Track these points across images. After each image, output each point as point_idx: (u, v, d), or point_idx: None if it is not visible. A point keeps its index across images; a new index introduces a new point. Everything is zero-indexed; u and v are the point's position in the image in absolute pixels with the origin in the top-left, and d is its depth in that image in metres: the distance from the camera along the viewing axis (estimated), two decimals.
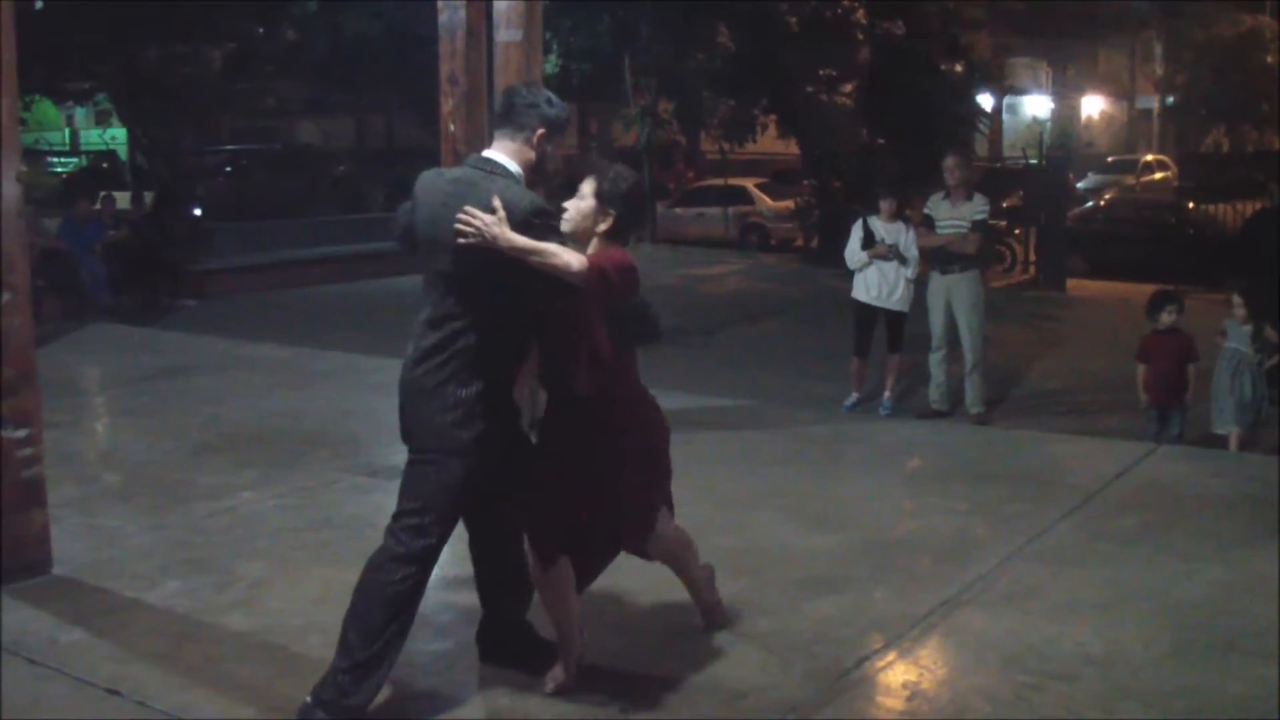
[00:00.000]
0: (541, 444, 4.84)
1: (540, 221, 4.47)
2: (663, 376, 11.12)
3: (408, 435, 4.69)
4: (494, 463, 4.66)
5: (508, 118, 4.73)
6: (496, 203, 4.41)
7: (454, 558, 6.11)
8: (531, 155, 4.70)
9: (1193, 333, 10.10)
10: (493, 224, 4.37)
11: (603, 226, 4.72)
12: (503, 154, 4.69)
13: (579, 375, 4.65)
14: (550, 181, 4.84)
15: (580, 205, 4.74)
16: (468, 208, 4.42)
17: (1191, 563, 6.29)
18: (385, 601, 4.57)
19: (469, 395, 4.55)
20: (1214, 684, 4.96)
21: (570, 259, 4.38)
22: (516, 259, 4.38)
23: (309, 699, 4.56)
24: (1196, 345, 9.96)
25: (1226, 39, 43.58)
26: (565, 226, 4.68)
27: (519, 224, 4.40)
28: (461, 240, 4.42)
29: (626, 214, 4.76)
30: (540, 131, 4.69)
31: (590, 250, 4.68)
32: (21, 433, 6.11)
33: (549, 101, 4.75)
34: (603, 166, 4.85)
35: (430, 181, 4.77)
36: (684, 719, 4.70)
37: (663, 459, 5.04)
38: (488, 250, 4.38)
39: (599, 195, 4.72)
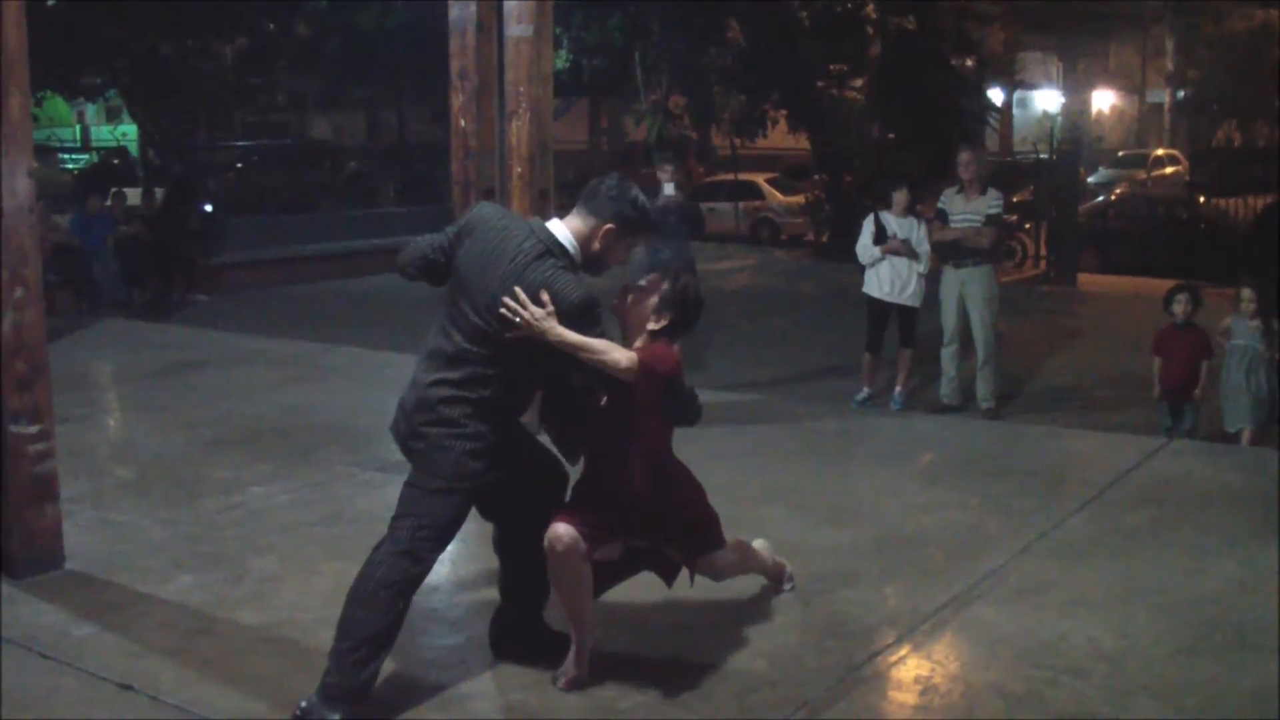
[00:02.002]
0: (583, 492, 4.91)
1: (590, 316, 4.48)
2: None
3: (410, 451, 4.70)
4: (501, 476, 4.70)
5: (588, 199, 4.71)
6: (545, 296, 4.42)
7: (466, 555, 6.15)
8: (595, 246, 4.68)
9: (1204, 327, 10.09)
10: (541, 318, 4.41)
11: (654, 326, 4.77)
12: (568, 230, 4.67)
13: (635, 474, 4.73)
14: (603, 271, 4.82)
15: (642, 303, 4.79)
16: (518, 291, 4.43)
17: (1203, 558, 6.28)
18: (377, 595, 4.58)
19: (483, 430, 4.59)
20: (1226, 679, 4.96)
21: (619, 357, 4.46)
22: (559, 348, 4.45)
23: (307, 701, 4.57)
24: (1212, 341, 9.95)
25: (1238, 33, 43.47)
26: (624, 319, 4.84)
27: (566, 316, 4.43)
28: (504, 316, 4.45)
29: (682, 320, 4.82)
30: (609, 227, 4.66)
31: (638, 343, 4.76)
32: (34, 428, 6.12)
33: (633, 203, 4.71)
34: (678, 268, 5.00)
35: (487, 220, 4.73)
36: (696, 714, 4.70)
37: (704, 518, 5.11)
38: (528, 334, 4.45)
39: (664, 298, 4.78)
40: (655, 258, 11.40)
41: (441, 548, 4.70)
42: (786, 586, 5.85)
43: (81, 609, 5.74)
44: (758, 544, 5.76)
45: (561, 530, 4.64)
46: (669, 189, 11.29)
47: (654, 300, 4.78)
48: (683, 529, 4.99)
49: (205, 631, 5.51)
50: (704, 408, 4.96)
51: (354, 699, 4.54)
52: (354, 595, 4.61)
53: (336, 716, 4.49)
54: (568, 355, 4.47)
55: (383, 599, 4.57)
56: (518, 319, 4.43)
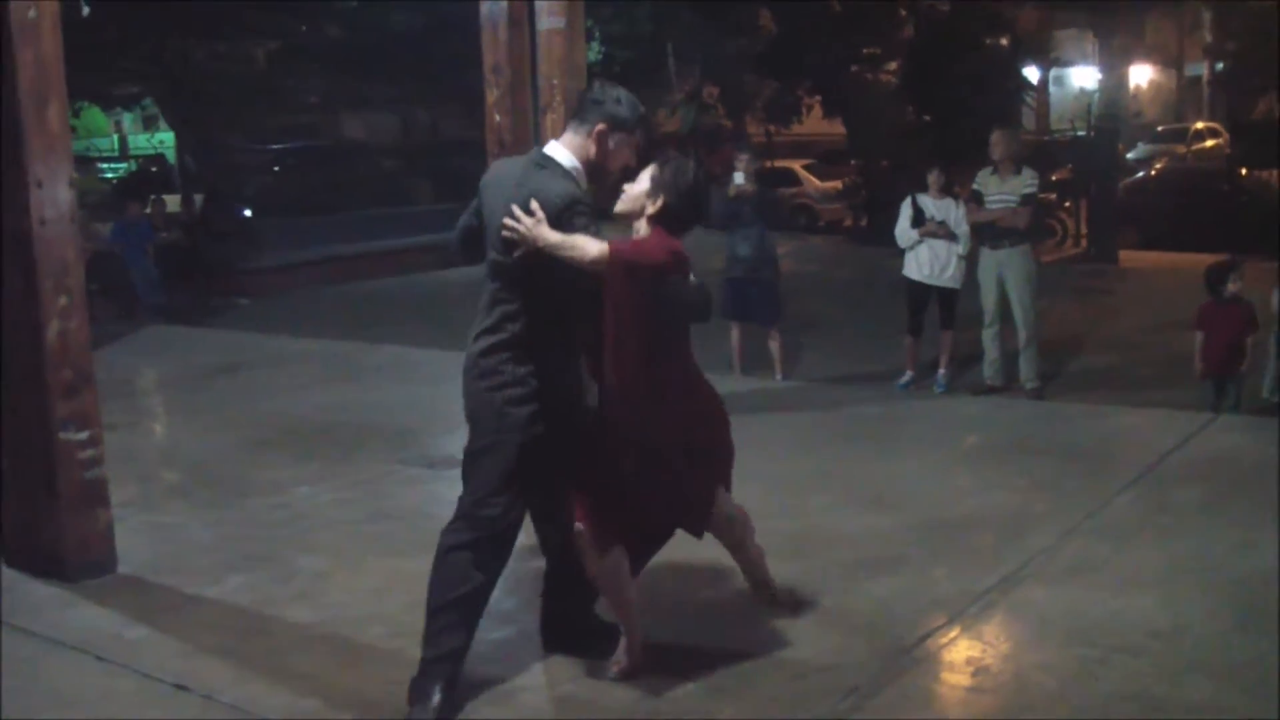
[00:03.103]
0: (594, 436, 4.82)
1: (570, 212, 4.48)
2: (714, 360, 11.18)
3: (467, 415, 4.73)
4: (551, 443, 4.66)
5: (576, 112, 4.77)
6: (534, 204, 4.46)
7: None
8: (591, 151, 4.68)
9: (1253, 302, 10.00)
10: (531, 226, 4.44)
11: (650, 210, 4.71)
12: (564, 147, 4.71)
13: (604, 365, 4.63)
14: (612, 178, 4.80)
15: (633, 188, 4.76)
16: (513, 207, 4.48)
17: (1253, 533, 6.23)
18: (444, 561, 4.69)
19: (522, 374, 4.58)
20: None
21: (589, 247, 4.39)
22: (550, 253, 4.44)
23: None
24: (1256, 314, 9.88)
25: (1277, 3, 43.02)
26: (618, 207, 4.76)
27: (553, 218, 4.45)
28: (506, 235, 4.50)
29: (679, 204, 4.72)
30: (601, 127, 4.66)
31: (639, 234, 4.71)
32: (83, 434, 6.18)
33: (618, 100, 4.72)
34: (671, 156, 4.85)
35: (499, 167, 4.92)
36: (746, 703, 4.70)
37: (720, 445, 5.05)
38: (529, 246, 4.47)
39: (653, 180, 4.72)
40: (733, 247, 11.44)
41: (503, 509, 4.66)
42: (760, 596, 5.48)
43: (134, 611, 5.79)
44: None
45: (579, 530, 4.69)
46: (739, 178, 11.30)
47: (645, 187, 4.73)
48: (699, 452, 4.89)
49: (256, 630, 5.55)
50: (712, 313, 4.84)
51: (445, 669, 4.63)
52: (432, 566, 4.71)
53: (435, 686, 4.58)
54: (560, 263, 4.43)
55: (450, 565, 4.66)
56: (515, 231, 4.47)
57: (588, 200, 4.57)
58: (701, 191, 4.79)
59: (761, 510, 6.66)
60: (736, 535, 5.31)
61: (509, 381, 4.59)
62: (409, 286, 19.64)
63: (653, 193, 4.71)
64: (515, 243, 4.48)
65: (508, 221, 4.48)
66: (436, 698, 4.57)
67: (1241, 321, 9.80)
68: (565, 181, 4.58)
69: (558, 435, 4.67)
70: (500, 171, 4.83)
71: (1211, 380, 9.93)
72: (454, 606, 4.64)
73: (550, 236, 4.41)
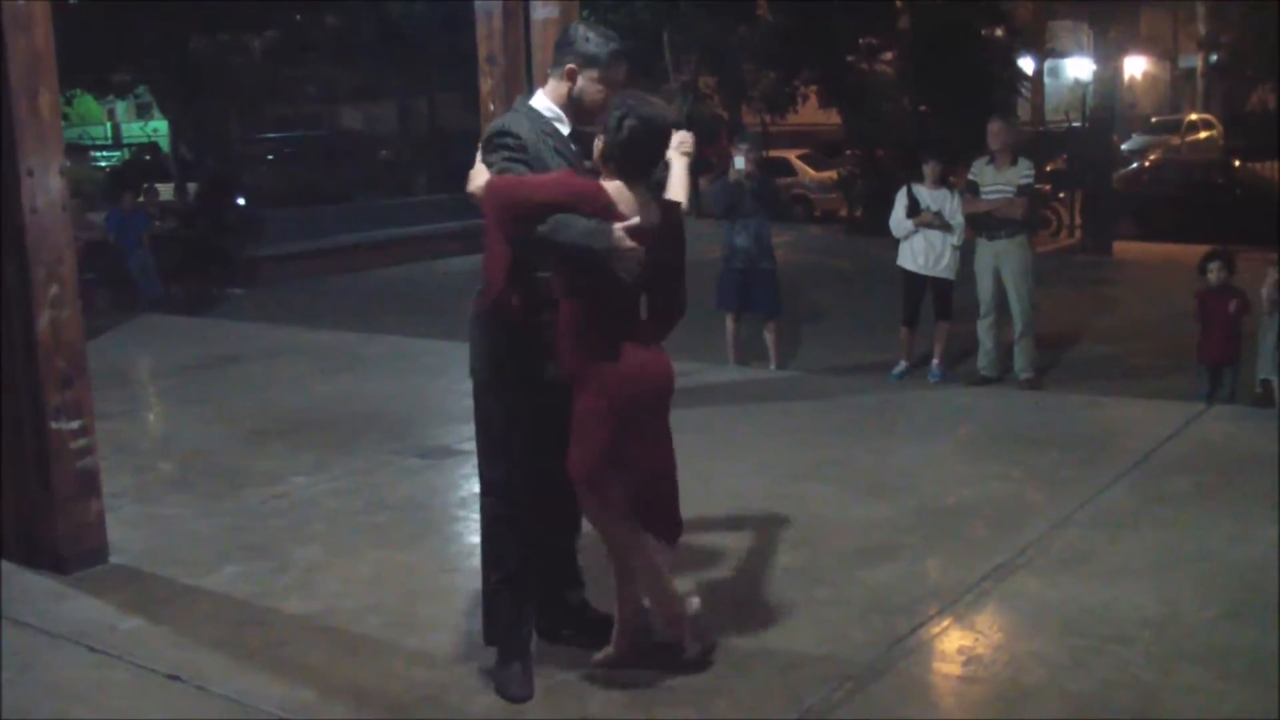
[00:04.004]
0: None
1: (489, 145, 4.52)
2: (711, 350, 11.19)
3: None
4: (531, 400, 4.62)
5: (551, 64, 4.77)
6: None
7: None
8: (564, 90, 4.67)
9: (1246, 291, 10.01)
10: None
11: (596, 154, 4.57)
12: (541, 93, 4.74)
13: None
14: (593, 118, 4.66)
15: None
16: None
17: (1246, 523, 6.24)
18: (485, 533, 4.81)
19: (495, 326, 4.62)
20: (1272, 644, 4.91)
21: (475, 179, 4.47)
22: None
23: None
24: (1250, 303, 9.88)
25: None
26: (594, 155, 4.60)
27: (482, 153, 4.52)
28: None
29: (618, 146, 4.48)
30: (571, 66, 4.64)
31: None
32: (75, 424, 6.17)
33: (586, 38, 4.67)
34: (625, 96, 4.60)
35: None
36: (740, 691, 4.70)
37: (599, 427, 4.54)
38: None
39: (599, 121, 4.58)
40: (731, 237, 11.40)
41: (509, 466, 4.65)
42: (690, 647, 4.88)
43: (128, 602, 5.78)
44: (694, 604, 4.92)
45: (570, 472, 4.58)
46: (739, 162, 11.24)
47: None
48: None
49: (251, 621, 5.54)
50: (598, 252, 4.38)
51: (506, 639, 4.73)
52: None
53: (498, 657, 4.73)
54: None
55: (489, 536, 4.77)
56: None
57: (513, 133, 4.50)
58: (643, 130, 4.49)
59: (758, 499, 6.72)
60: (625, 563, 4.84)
61: (484, 330, 4.65)
62: (406, 276, 19.65)
63: (601, 135, 4.55)
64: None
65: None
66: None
67: (1237, 309, 9.82)
68: (502, 119, 4.61)
69: (535, 402, 4.63)
70: None
71: (1206, 370, 9.94)
72: (501, 576, 4.75)
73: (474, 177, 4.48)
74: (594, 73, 4.65)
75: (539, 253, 4.44)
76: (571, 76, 4.65)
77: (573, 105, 4.68)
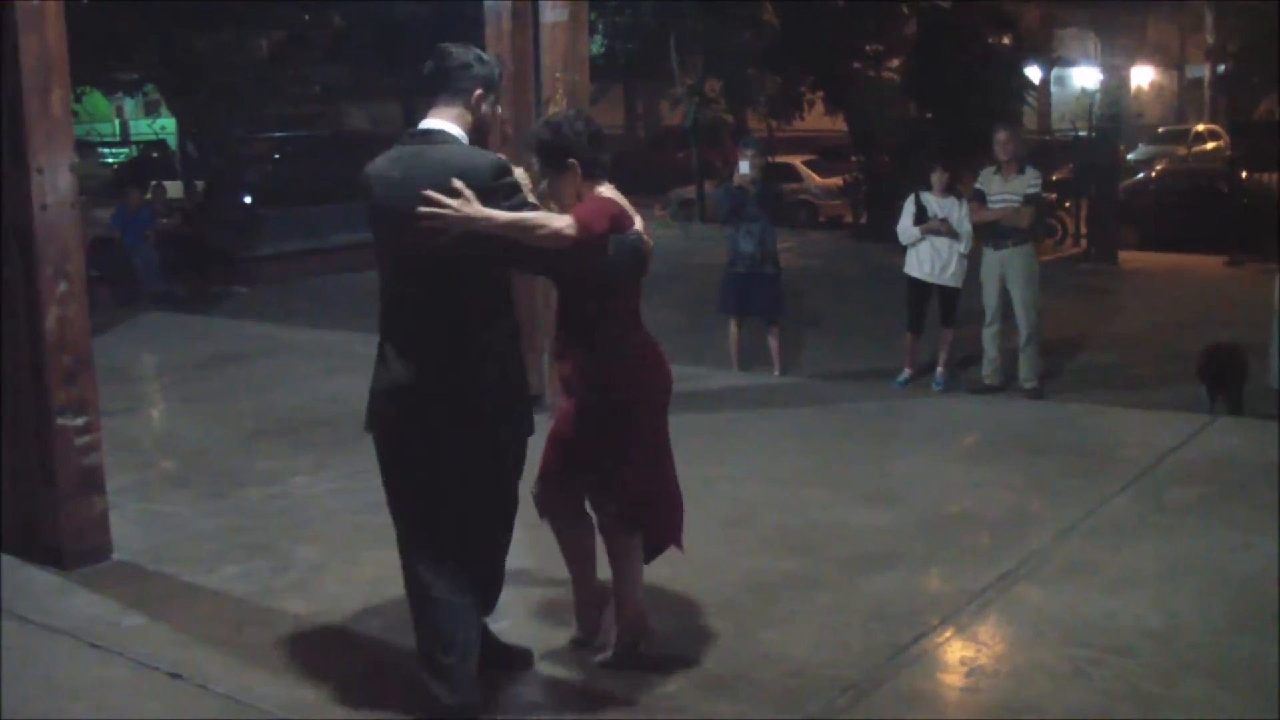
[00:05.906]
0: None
1: (506, 186, 4.18)
2: (713, 354, 11.19)
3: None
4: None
5: (443, 82, 4.40)
6: (457, 183, 4.04)
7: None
8: (471, 119, 4.39)
9: (1247, 303, 10.00)
10: (461, 205, 4.02)
11: (568, 174, 4.55)
12: (442, 121, 4.36)
13: (600, 333, 4.56)
14: (499, 148, 4.54)
15: (528, 182, 4.43)
16: (428, 193, 4.02)
17: (1249, 535, 6.24)
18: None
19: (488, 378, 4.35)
20: (1274, 656, 4.91)
21: (559, 224, 4.12)
22: (494, 235, 4.09)
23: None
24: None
25: (1278, 4, 43.03)
26: (539, 207, 4.36)
27: (486, 192, 4.09)
28: (426, 224, 4.04)
29: (583, 147, 4.54)
30: (478, 93, 4.39)
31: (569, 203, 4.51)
32: (80, 420, 6.18)
33: (479, 59, 4.44)
34: (537, 128, 4.68)
35: (377, 168, 4.41)
36: (740, 698, 4.69)
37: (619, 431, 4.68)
38: (460, 230, 4.07)
39: (540, 154, 4.55)
40: (735, 242, 11.39)
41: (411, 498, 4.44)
42: (600, 653, 4.96)
43: (130, 599, 5.79)
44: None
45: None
46: (744, 166, 11.22)
47: (525, 170, 4.46)
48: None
49: (252, 620, 5.55)
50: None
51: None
52: None
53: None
54: (504, 243, 4.11)
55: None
56: (438, 215, 4.01)
57: (511, 169, 4.30)
58: (589, 128, 4.60)
59: (759, 505, 6.71)
60: (622, 561, 4.91)
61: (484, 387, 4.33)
62: None
63: (530, 168, 4.48)
64: (437, 231, 4.06)
65: (424, 209, 4.01)
66: None
67: None
68: (483, 154, 4.28)
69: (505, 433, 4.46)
70: (381, 167, 4.38)
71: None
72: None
73: (497, 217, 4.05)
74: (494, 98, 4.50)
75: (626, 272, 4.46)
76: (479, 105, 4.42)
77: (479, 132, 4.45)
